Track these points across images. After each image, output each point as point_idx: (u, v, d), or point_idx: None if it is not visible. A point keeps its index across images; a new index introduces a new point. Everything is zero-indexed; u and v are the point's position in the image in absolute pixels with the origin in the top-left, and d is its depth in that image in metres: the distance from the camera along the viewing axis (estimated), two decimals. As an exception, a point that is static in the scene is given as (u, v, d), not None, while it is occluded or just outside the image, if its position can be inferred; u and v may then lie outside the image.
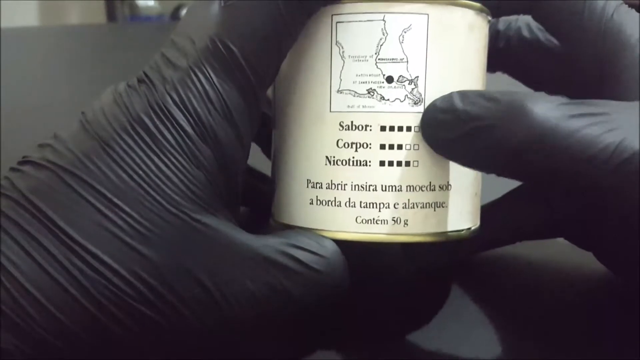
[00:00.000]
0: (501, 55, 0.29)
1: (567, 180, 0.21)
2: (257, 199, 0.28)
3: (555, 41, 0.28)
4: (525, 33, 0.29)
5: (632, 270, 0.26)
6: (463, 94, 0.22)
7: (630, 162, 0.20)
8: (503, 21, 0.29)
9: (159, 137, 0.20)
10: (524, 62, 0.29)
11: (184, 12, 0.23)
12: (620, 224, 0.26)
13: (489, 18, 0.24)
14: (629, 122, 0.20)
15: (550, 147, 0.20)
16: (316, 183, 0.23)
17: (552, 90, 0.29)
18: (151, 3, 2.21)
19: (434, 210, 0.23)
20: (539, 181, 0.27)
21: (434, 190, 0.22)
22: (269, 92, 0.24)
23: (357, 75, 0.22)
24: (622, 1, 0.25)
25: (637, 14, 0.25)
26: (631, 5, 0.26)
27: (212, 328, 0.21)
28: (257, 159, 0.30)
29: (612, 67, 0.24)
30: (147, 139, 0.20)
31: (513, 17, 0.29)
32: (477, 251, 0.31)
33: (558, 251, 0.30)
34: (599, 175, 0.20)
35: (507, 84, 0.31)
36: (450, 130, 0.21)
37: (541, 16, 0.26)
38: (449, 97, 0.22)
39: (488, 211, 0.26)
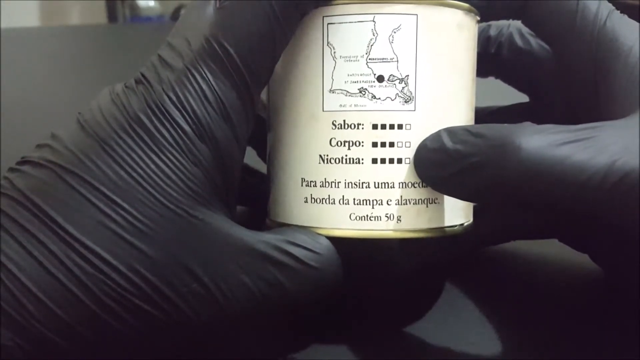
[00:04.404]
0: (493, 61, 0.29)
1: (564, 207, 0.21)
2: (256, 197, 0.28)
3: (546, 47, 0.28)
4: (517, 39, 0.29)
5: (627, 273, 0.26)
6: (451, 132, 0.22)
7: (623, 182, 0.19)
8: (494, 27, 0.29)
9: (157, 135, 0.20)
10: (516, 68, 0.29)
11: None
12: (615, 232, 0.25)
13: (478, 18, 0.24)
14: (618, 142, 0.20)
15: (541, 178, 0.20)
16: (310, 181, 0.23)
17: (544, 95, 0.30)
18: (152, 3, 2.21)
19: (427, 206, 0.23)
20: (536, 210, 0.28)
21: (427, 186, 0.23)
22: (263, 95, 0.24)
23: (348, 75, 0.22)
24: (614, 7, 0.25)
25: (630, 20, 0.24)
26: (631, 6, 0.26)
27: (209, 321, 0.21)
28: (255, 159, 0.31)
29: (605, 73, 0.24)
30: (145, 138, 0.20)
31: (504, 23, 0.29)
32: (471, 249, 0.31)
33: (558, 250, 0.30)
34: (595, 199, 0.20)
35: (499, 87, 0.31)
36: (443, 169, 0.22)
37: (532, 21, 0.26)
38: (438, 137, 0.22)
39: (481, 209, 0.26)
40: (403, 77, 0.22)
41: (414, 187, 0.23)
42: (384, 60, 0.22)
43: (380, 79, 0.22)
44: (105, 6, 2.12)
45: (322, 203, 0.23)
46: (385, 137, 0.22)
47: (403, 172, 0.23)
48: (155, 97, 0.21)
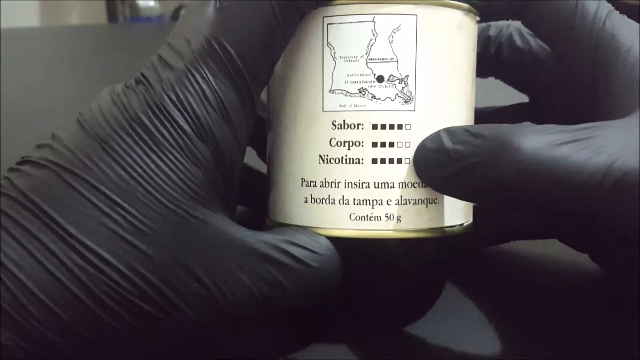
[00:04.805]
0: (493, 61, 0.29)
1: (563, 207, 0.21)
2: (256, 197, 0.28)
3: (546, 47, 0.28)
4: (517, 39, 0.29)
5: (627, 273, 0.26)
6: (450, 132, 0.22)
7: (622, 182, 0.19)
8: (494, 27, 0.29)
9: (158, 135, 0.20)
10: (516, 68, 0.29)
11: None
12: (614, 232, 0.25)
13: (477, 18, 0.24)
14: (617, 142, 0.20)
15: (539, 179, 0.20)
16: (310, 181, 0.23)
17: (544, 95, 0.30)
18: (152, 3, 2.21)
19: (427, 206, 0.23)
20: (535, 210, 0.28)
21: (426, 186, 0.23)
22: (263, 95, 0.24)
23: (348, 75, 0.22)
24: (614, 7, 0.25)
25: (630, 20, 0.24)
26: (631, 6, 0.26)
27: (209, 321, 0.21)
28: (255, 159, 0.31)
29: (604, 73, 0.24)
30: (146, 138, 0.20)
31: (504, 24, 0.29)
32: (471, 248, 0.31)
33: (558, 250, 0.30)
34: (594, 200, 0.20)
35: (499, 87, 0.31)
36: (442, 169, 0.22)
37: (532, 22, 0.26)
38: (437, 137, 0.22)
39: (481, 209, 0.26)
40: (403, 77, 0.22)
41: (414, 187, 0.23)
42: (384, 60, 0.22)
43: (380, 79, 0.22)
44: (105, 6, 2.12)
45: (322, 203, 0.23)
46: (385, 137, 0.22)
47: (403, 172, 0.23)
48: (156, 97, 0.21)
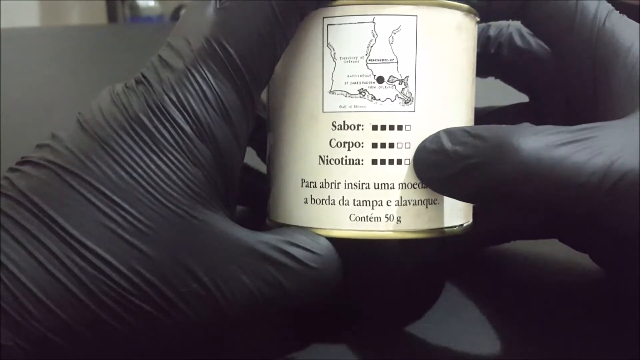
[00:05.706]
0: (492, 61, 0.29)
1: (563, 208, 0.21)
2: (255, 197, 0.28)
3: (546, 47, 0.28)
4: (517, 39, 0.29)
5: (627, 273, 0.26)
6: (450, 133, 0.22)
7: (622, 182, 0.19)
8: (494, 27, 0.29)
9: (158, 136, 0.20)
10: (516, 68, 0.29)
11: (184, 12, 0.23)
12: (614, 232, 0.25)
13: (477, 19, 0.24)
14: (616, 142, 0.20)
15: (539, 180, 0.20)
16: (310, 182, 0.23)
17: (544, 95, 0.30)
18: (152, 3, 2.21)
19: (427, 207, 0.23)
20: (535, 211, 0.28)
21: (426, 187, 0.23)
22: (263, 95, 0.24)
23: (348, 76, 0.22)
24: (614, 7, 0.25)
25: (630, 20, 0.24)
26: (631, 6, 0.25)
27: (209, 322, 0.21)
28: (255, 159, 0.31)
29: (604, 73, 0.24)
30: (146, 138, 0.20)
31: (504, 23, 0.29)
32: (471, 249, 0.31)
33: (558, 249, 0.30)
34: (593, 200, 0.20)
35: (499, 87, 0.31)
36: (442, 170, 0.22)
37: (532, 22, 0.26)
38: (437, 138, 0.22)
39: (481, 209, 0.26)
40: (403, 78, 0.22)
41: (414, 188, 0.23)
42: (384, 61, 0.22)
43: (380, 80, 0.22)
44: (105, 6, 2.12)
45: (322, 204, 0.23)
46: (385, 138, 0.22)
47: (403, 173, 0.23)
48: (156, 98, 0.21)
